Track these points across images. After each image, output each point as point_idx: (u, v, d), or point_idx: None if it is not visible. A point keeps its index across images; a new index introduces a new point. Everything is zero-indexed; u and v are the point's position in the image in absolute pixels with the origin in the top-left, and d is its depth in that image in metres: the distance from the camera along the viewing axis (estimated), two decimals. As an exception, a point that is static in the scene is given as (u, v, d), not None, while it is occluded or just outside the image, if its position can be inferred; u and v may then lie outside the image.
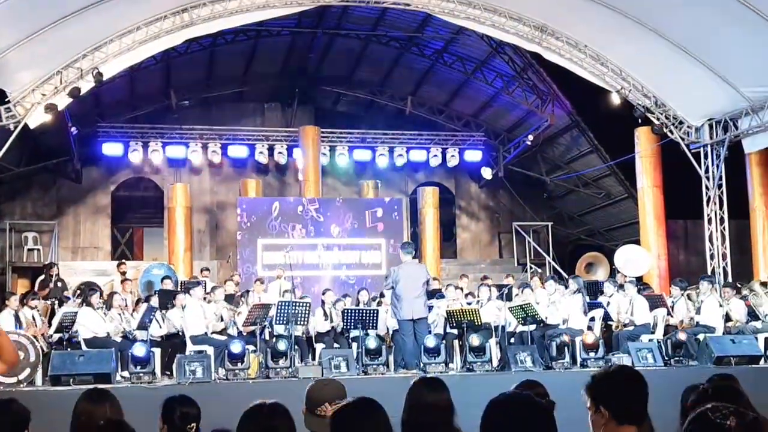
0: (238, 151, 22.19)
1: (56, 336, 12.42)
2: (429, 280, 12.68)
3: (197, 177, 22.79)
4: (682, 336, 12.42)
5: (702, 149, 17.29)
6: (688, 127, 17.18)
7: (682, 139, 17.15)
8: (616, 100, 17.01)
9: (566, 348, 12.14)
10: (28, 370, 10.93)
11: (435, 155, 23.12)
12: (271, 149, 22.26)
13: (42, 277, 17.14)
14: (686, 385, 4.40)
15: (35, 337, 11.73)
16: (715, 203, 17.21)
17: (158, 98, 22.08)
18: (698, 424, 2.30)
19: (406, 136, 23.24)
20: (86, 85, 14.64)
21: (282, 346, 11.54)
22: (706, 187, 17.35)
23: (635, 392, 3.23)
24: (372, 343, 11.88)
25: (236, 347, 11.29)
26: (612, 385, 3.23)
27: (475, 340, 11.96)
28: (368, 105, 23.85)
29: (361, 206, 20.49)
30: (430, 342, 11.91)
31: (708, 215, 17.36)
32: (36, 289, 15.73)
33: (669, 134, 17.18)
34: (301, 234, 19.44)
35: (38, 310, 13.30)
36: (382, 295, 14.78)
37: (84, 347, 11.84)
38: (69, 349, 11.74)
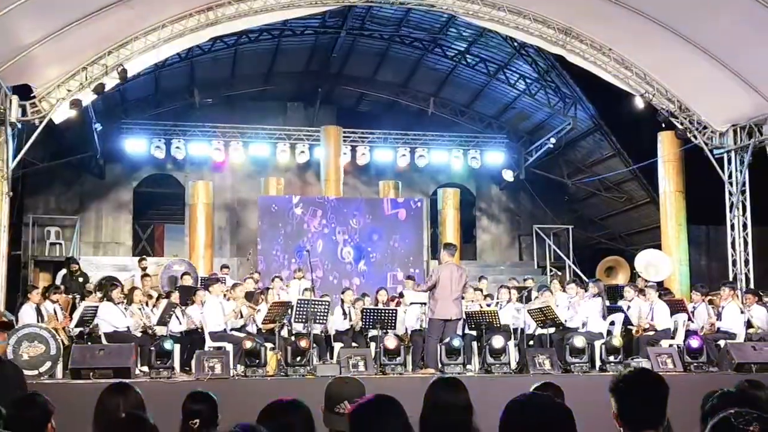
0: (259, 149, 22.27)
1: (77, 330, 12.50)
2: (467, 283, 12.68)
3: (219, 174, 22.87)
4: (694, 343, 12.28)
5: (725, 154, 17.17)
6: (711, 132, 17.06)
7: (706, 144, 17.03)
8: (639, 104, 16.92)
9: (585, 351, 12.07)
10: (48, 363, 11.01)
11: (456, 156, 23.10)
12: (292, 148, 22.33)
13: (63, 271, 17.26)
14: (706, 392, 4.38)
15: (56, 330, 11.81)
16: (738, 209, 17.08)
17: (182, 96, 22.21)
18: (720, 429, 2.29)
19: (428, 136, 23.23)
20: (111, 81, 14.74)
21: (303, 343, 11.53)
22: (730, 193, 17.22)
23: (645, 398, 3.16)
24: (391, 342, 11.87)
25: (248, 343, 11.29)
26: (620, 390, 3.18)
27: (496, 342, 11.92)
28: (390, 105, 23.86)
29: (382, 206, 20.50)
30: (456, 343, 11.89)
31: (731, 221, 17.23)
32: (58, 283, 15.83)
33: (692, 139, 17.07)
34: (320, 231, 19.48)
35: (59, 304, 13.41)
36: (401, 295, 14.78)
37: (104, 341, 11.92)
38: (89, 343, 11.82)
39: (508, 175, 23.29)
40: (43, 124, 14.32)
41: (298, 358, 11.40)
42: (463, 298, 13.80)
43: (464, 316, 13.13)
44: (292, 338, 12.28)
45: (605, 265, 20.09)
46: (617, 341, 12.31)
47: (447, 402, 3.89)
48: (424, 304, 13.10)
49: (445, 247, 13.10)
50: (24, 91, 14.17)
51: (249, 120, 22.58)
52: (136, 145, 21.63)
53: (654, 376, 3.29)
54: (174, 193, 23.49)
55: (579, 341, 12.05)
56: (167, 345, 11.18)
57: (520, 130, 23.72)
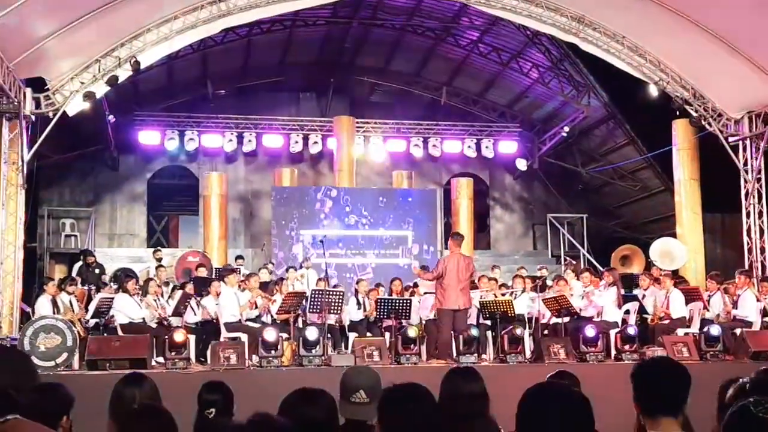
0: (273, 140, 22.28)
1: (93, 321, 12.58)
2: (474, 273, 12.69)
3: (232, 166, 22.92)
4: (714, 330, 12.26)
5: (741, 142, 17.05)
6: (726, 119, 16.94)
7: (721, 132, 16.91)
8: (653, 91, 16.82)
9: (600, 340, 12.05)
10: (65, 355, 11.08)
11: (469, 146, 23.05)
12: (305, 139, 22.34)
13: (80, 263, 17.35)
14: (722, 380, 4.36)
15: (72, 322, 11.88)
16: (753, 196, 16.97)
17: (195, 87, 22.24)
18: (739, 418, 2.27)
19: (441, 126, 23.18)
20: (124, 73, 14.76)
21: (313, 335, 11.54)
22: (745, 180, 17.10)
23: (666, 384, 3.22)
24: (411, 331, 11.89)
25: (270, 335, 11.31)
26: (640, 377, 3.24)
27: (515, 331, 11.94)
28: (403, 95, 23.80)
29: (395, 197, 20.49)
30: (473, 332, 11.90)
31: (746, 209, 17.12)
32: (74, 275, 15.90)
33: (707, 126, 16.95)
34: (333, 221, 19.50)
35: (75, 296, 13.49)
36: (415, 285, 14.79)
37: (120, 332, 11.98)
38: (105, 334, 11.89)
39: (522, 165, 23.24)
40: (57, 116, 14.36)
41: (313, 349, 11.41)
42: (477, 287, 13.83)
43: (478, 305, 13.16)
44: (307, 329, 12.31)
45: (620, 254, 20.01)
46: (632, 330, 12.30)
47: (463, 391, 3.90)
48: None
49: (452, 236, 13.10)
50: (37, 84, 14.21)
51: (262, 111, 22.58)
52: (150, 136, 21.69)
53: (676, 365, 3.32)
54: (188, 184, 23.56)
55: (594, 330, 12.02)
56: (177, 337, 11.20)
57: (533, 119, 23.65)
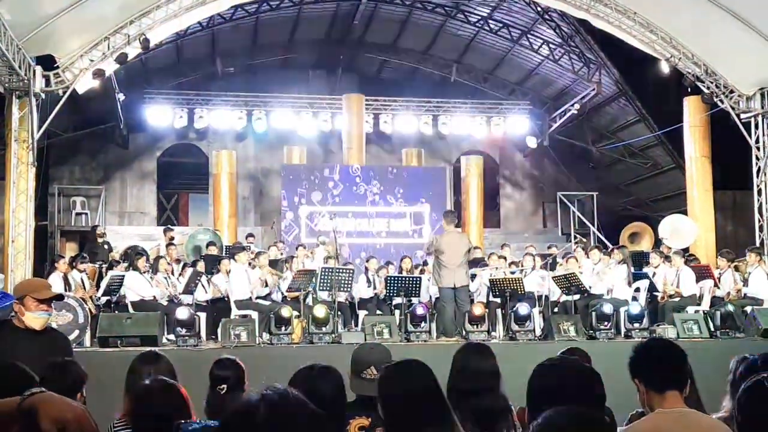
0: (282, 118, 22.24)
1: (104, 299, 12.62)
2: (470, 249, 12.67)
3: (242, 143, 22.91)
4: (729, 307, 12.26)
5: (753, 119, 16.94)
6: (738, 96, 16.83)
7: (733, 109, 16.81)
8: (665, 68, 16.72)
9: (610, 318, 12.05)
10: (77, 332, 11.13)
11: (480, 124, 22.99)
12: (315, 116, 22.30)
13: (89, 240, 17.39)
14: (732, 357, 4.36)
15: (83, 299, 11.93)
16: (765, 174, 16.89)
17: (204, 65, 22.21)
18: (752, 393, 2.28)
19: (451, 104, 23.10)
20: (133, 51, 14.73)
21: (323, 312, 11.56)
22: (757, 158, 17.02)
23: (663, 360, 3.32)
24: (420, 309, 11.90)
25: (285, 312, 11.34)
26: (640, 358, 3.34)
27: (523, 309, 11.92)
28: (412, 72, 23.73)
29: (405, 175, 20.46)
30: (477, 310, 11.89)
31: (758, 186, 17.05)
32: (85, 253, 15.96)
33: (719, 103, 16.86)
34: (343, 200, 19.49)
35: (86, 273, 13.54)
36: (425, 263, 14.79)
37: (131, 310, 12.03)
38: (116, 312, 11.93)
39: (532, 142, 23.16)
40: (67, 94, 14.36)
41: (323, 327, 11.45)
42: (486, 265, 13.83)
43: (488, 283, 13.16)
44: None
45: (629, 231, 19.93)
46: (639, 308, 12.30)
47: (475, 368, 3.91)
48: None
49: (445, 215, 13.09)
50: (47, 62, 14.19)
51: (271, 89, 22.54)
52: (159, 114, 21.69)
53: (671, 344, 3.47)
54: (197, 162, 23.58)
55: (607, 308, 12.01)
56: (181, 314, 11.24)
57: (543, 96, 23.54)
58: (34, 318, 4.91)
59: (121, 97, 19.56)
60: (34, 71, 13.95)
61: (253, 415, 1.50)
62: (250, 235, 18.40)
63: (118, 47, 14.51)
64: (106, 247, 16.71)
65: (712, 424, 3.30)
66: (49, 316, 5.04)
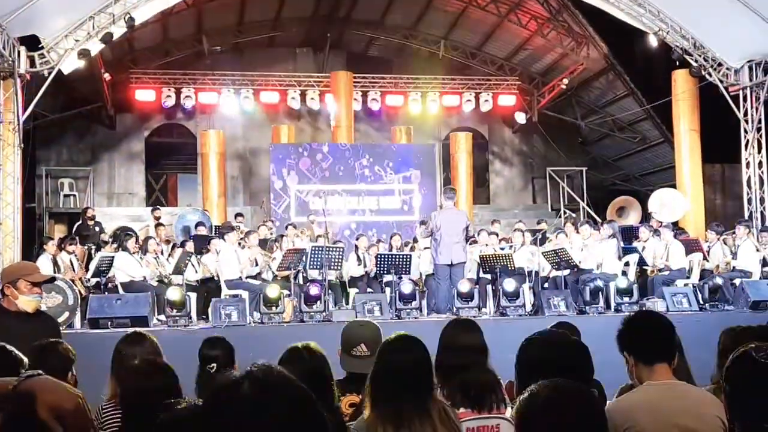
0: (270, 96, 22.14)
1: (93, 280, 12.59)
2: (468, 226, 12.72)
3: (230, 123, 22.78)
4: (719, 280, 12.32)
5: (741, 92, 16.95)
6: (727, 69, 16.83)
7: (721, 82, 16.82)
8: (653, 42, 16.68)
9: (600, 292, 12.10)
10: (66, 314, 11.11)
11: (468, 100, 22.94)
12: (303, 95, 22.20)
13: (80, 222, 17.33)
14: (721, 329, 4.39)
15: (73, 281, 11.91)
16: (753, 147, 16.93)
17: (190, 44, 22.03)
18: (740, 363, 2.28)
19: (439, 80, 23.03)
20: (118, 30, 14.61)
21: (315, 290, 11.58)
22: (745, 131, 17.05)
23: (652, 333, 3.36)
24: (407, 287, 11.91)
25: (272, 292, 11.35)
26: (629, 331, 3.39)
27: (509, 285, 11.95)
28: (400, 49, 23.61)
29: (394, 152, 20.41)
30: (464, 287, 11.91)
31: (746, 159, 17.10)
32: (73, 234, 15.90)
33: (707, 77, 16.86)
34: (332, 178, 19.43)
35: (75, 255, 13.50)
36: (415, 240, 14.79)
37: (121, 291, 12.01)
38: (106, 293, 11.91)
39: (521, 118, 23.12)
40: (52, 75, 14.25)
41: (314, 305, 11.46)
42: (476, 242, 13.85)
43: (478, 260, 13.19)
44: (307, 285, 12.34)
45: (616, 205, 19.98)
46: (628, 282, 12.35)
47: (463, 343, 3.92)
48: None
49: (445, 191, 13.17)
50: (32, 43, 14.08)
51: (258, 67, 22.42)
52: (146, 94, 21.54)
53: (660, 316, 3.52)
54: (185, 142, 23.48)
55: (594, 283, 12.06)
56: (172, 295, 11.22)
57: (532, 72, 23.47)
58: (27, 301, 4.91)
59: (107, 77, 19.42)
60: (19, 52, 13.85)
61: (237, 391, 1.48)
62: (239, 214, 18.36)
63: (103, 27, 14.39)
64: (97, 228, 16.65)
65: (700, 395, 3.33)
66: (41, 299, 5.04)
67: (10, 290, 4.87)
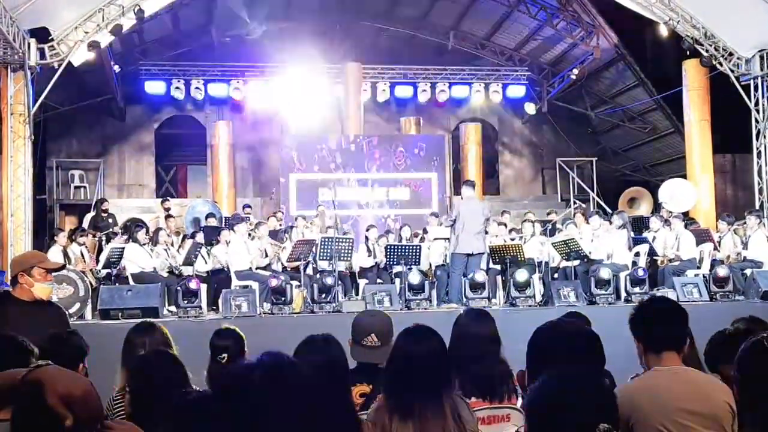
0: (279, 87, 22.05)
1: (104, 271, 12.63)
2: (489, 218, 12.72)
3: (239, 114, 22.78)
4: (721, 272, 12.25)
5: (752, 81, 16.87)
6: (738, 58, 16.74)
7: (732, 71, 16.74)
8: (663, 32, 16.61)
9: (609, 283, 12.08)
10: (77, 305, 11.18)
11: (478, 91, 22.88)
12: (312, 85, 22.11)
13: (93, 213, 17.38)
14: (732, 321, 4.38)
15: (84, 272, 11.95)
16: (764, 136, 16.86)
17: (200, 35, 22.01)
18: (752, 352, 2.28)
19: (448, 71, 22.98)
20: (128, 22, 14.65)
21: (328, 281, 11.59)
22: (756, 120, 16.98)
23: (661, 320, 3.32)
24: (415, 278, 11.91)
25: (275, 283, 11.36)
26: (639, 317, 3.36)
27: (521, 275, 11.94)
28: (409, 40, 23.54)
29: (403, 143, 20.38)
30: (479, 277, 11.91)
31: (757, 149, 17.02)
32: (86, 226, 15.94)
33: (718, 66, 16.78)
34: (341, 169, 19.43)
35: (86, 246, 13.55)
36: (425, 231, 14.79)
37: (131, 282, 12.04)
38: (117, 284, 11.95)
39: (531, 109, 23.06)
40: (62, 67, 14.29)
41: (324, 295, 11.48)
42: (486, 233, 13.84)
43: (488, 251, 13.18)
44: (318, 275, 12.36)
45: (627, 196, 19.95)
46: (641, 272, 12.31)
47: (475, 333, 3.92)
48: (448, 239, 13.13)
49: (465, 183, 13.20)
50: (42, 35, 14.11)
51: (268, 58, 22.37)
52: (156, 86, 21.56)
53: (673, 303, 3.46)
54: (195, 134, 23.48)
55: (604, 273, 12.03)
56: (192, 285, 11.26)
57: (541, 62, 23.38)
58: (43, 288, 4.92)
59: (117, 69, 19.45)
60: (29, 44, 13.89)
61: (249, 379, 1.49)
62: (247, 206, 18.39)
63: (113, 19, 14.43)
64: (110, 220, 16.71)
65: (708, 380, 3.32)
66: (52, 286, 5.06)
67: (25, 278, 4.87)
